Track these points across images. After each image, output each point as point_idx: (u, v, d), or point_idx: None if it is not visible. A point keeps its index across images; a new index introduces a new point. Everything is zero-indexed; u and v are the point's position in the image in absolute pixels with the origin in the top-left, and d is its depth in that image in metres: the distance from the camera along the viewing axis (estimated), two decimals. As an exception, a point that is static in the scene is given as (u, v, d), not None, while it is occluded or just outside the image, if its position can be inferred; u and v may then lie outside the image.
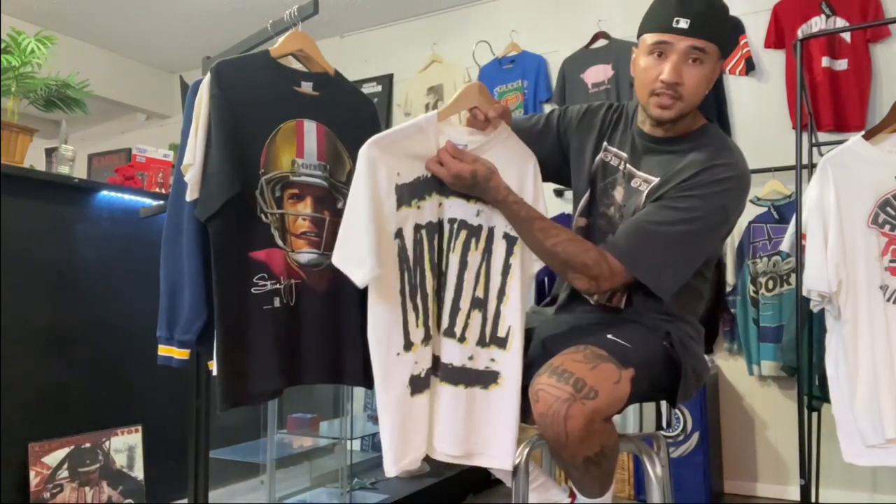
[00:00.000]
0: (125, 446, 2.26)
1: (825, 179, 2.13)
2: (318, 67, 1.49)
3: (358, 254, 1.20)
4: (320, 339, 1.41)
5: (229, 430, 2.61)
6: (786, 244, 2.40)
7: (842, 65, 3.06)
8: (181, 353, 1.41)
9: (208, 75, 1.34)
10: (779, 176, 3.04)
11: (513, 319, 1.33)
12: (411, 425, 1.27)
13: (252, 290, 1.33)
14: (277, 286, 1.36)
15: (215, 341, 1.30)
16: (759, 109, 3.25)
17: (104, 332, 2.29)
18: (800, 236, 2.26)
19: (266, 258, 1.36)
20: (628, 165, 1.44)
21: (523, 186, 1.39)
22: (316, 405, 2.90)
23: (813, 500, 2.49)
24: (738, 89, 3.31)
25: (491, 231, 1.35)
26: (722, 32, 1.35)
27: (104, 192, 2.35)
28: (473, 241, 1.34)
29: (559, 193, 3.52)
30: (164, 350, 1.41)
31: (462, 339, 1.33)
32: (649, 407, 1.55)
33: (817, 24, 3.11)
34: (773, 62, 3.25)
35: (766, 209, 3.09)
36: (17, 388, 2.05)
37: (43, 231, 2.18)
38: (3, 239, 2.04)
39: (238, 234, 1.33)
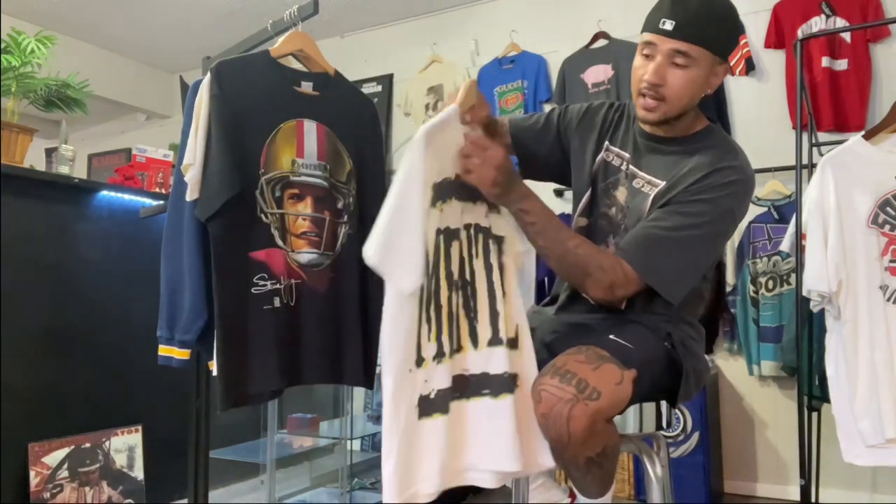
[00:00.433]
0: (125, 446, 2.26)
1: (825, 179, 2.13)
2: (318, 67, 1.49)
3: (410, 258, 1.09)
4: (320, 339, 1.41)
5: (229, 430, 2.61)
6: (786, 244, 2.40)
7: (842, 65, 3.06)
8: (181, 353, 1.41)
9: (208, 75, 1.34)
10: (779, 176, 3.04)
11: (520, 319, 1.28)
12: (417, 452, 1.14)
13: (252, 290, 1.33)
14: (277, 286, 1.36)
15: (215, 341, 1.30)
16: (759, 109, 3.25)
17: (104, 332, 2.29)
18: (800, 236, 2.26)
19: (266, 258, 1.36)
20: (631, 166, 1.44)
21: None
22: (316, 405, 2.90)
23: (813, 500, 2.49)
24: (738, 89, 3.31)
25: (491, 231, 1.33)
26: (713, 36, 1.30)
27: (104, 192, 2.35)
28: (491, 243, 1.28)
29: (559, 193, 3.52)
30: (164, 350, 1.41)
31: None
32: (649, 407, 1.55)
33: (817, 24, 3.11)
34: (773, 62, 3.25)
35: (766, 209, 3.09)
36: (17, 388, 2.05)
37: (43, 231, 2.18)
38: (3, 239, 2.04)
39: (238, 234, 1.33)
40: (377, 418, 2.95)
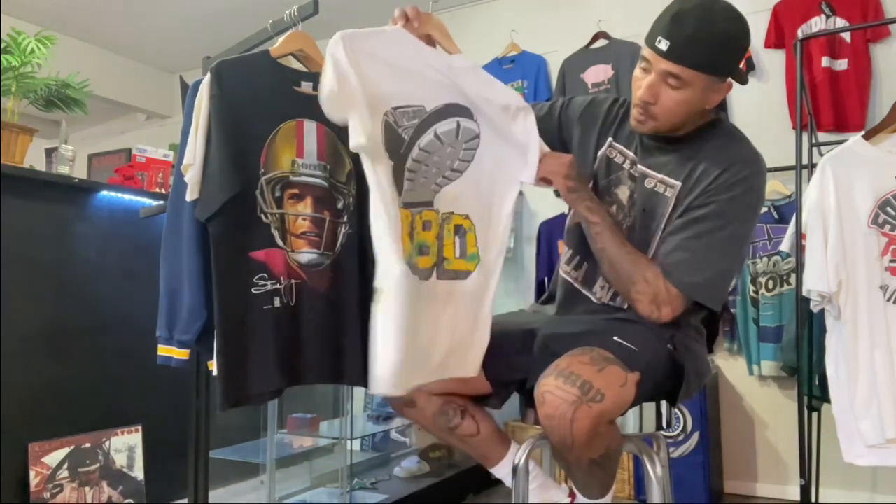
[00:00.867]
0: (125, 446, 2.26)
1: (825, 179, 2.13)
2: (318, 67, 1.49)
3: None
4: (320, 340, 1.41)
5: (229, 430, 2.61)
6: (786, 244, 2.40)
7: (842, 65, 3.06)
8: (181, 353, 1.41)
9: (208, 75, 1.34)
10: (779, 176, 3.04)
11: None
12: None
13: (252, 290, 1.33)
14: (277, 286, 1.36)
15: (215, 341, 1.30)
16: (759, 109, 3.25)
17: (104, 331, 2.29)
18: (800, 236, 2.25)
19: (266, 258, 1.35)
20: (639, 165, 1.42)
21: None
22: (316, 405, 2.89)
23: (813, 500, 2.49)
24: (738, 89, 3.23)
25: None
26: (709, 59, 1.26)
27: (104, 192, 2.35)
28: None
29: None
30: (163, 350, 1.41)
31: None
32: (649, 407, 1.55)
33: (817, 24, 3.11)
34: (773, 62, 3.25)
35: (766, 209, 3.09)
36: (17, 388, 2.05)
37: (43, 231, 2.18)
38: (3, 239, 2.04)
39: (238, 234, 1.33)
40: (377, 418, 2.95)
